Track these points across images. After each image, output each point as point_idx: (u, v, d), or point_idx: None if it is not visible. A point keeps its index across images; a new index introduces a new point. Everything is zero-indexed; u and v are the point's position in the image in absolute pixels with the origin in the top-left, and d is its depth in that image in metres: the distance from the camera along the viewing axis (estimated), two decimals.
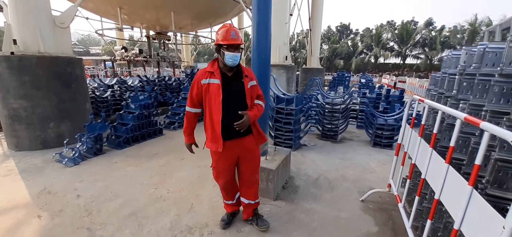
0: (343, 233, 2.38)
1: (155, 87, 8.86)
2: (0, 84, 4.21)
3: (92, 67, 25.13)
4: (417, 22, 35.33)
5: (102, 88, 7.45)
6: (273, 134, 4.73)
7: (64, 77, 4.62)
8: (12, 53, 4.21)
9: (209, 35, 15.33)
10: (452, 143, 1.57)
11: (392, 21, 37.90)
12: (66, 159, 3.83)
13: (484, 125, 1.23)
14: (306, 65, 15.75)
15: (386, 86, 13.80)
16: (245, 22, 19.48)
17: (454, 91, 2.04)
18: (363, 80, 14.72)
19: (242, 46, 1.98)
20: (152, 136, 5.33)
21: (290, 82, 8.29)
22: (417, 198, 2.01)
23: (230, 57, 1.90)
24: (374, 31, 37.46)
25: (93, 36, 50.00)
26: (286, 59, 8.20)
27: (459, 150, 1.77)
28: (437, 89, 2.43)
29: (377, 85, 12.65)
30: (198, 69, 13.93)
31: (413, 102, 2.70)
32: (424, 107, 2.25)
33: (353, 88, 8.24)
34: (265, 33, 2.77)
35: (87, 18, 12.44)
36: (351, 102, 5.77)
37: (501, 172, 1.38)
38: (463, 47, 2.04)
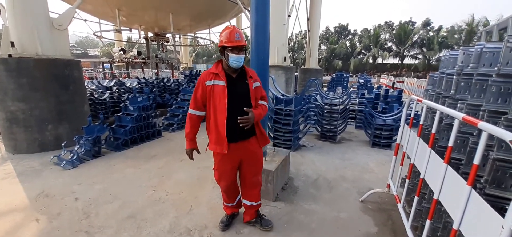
0: (342, 234, 2.38)
1: (154, 89, 8.84)
2: None
3: (90, 69, 25.06)
4: (415, 22, 35.58)
5: (100, 90, 7.42)
6: (272, 135, 4.73)
7: (62, 79, 4.60)
8: (9, 55, 4.19)
9: (207, 36, 15.33)
10: (450, 143, 1.57)
11: (390, 21, 38.09)
12: (64, 162, 3.81)
13: (482, 124, 1.24)
14: (304, 66, 15.80)
15: (384, 86, 13.85)
16: (244, 23, 19.49)
17: (452, 91, 2.05)
18: (361, 81, 14.78)
19: (246, 47, 1.97)
20: (151, 138, 5.32)
21: (288, 83, 8.29)
22: (416, 198, 2.01)
23: (234, 59, 1.90)
24: (372, 31, 37.59)
25: (91, 38, 49.98)
26: (285, 60, 8.21)
27: (457, 149, 1.78)
28: (435, 89, 2.44)
29: (375, 86, 12.69)
30: (197, 71, 13.94)
31: (411, 102, 2.70)
32: (422, 108, 2.26)
33: (351, 89, 8.26)
34: (263, 34, 2.77)
35: (85, 20, 12.42)
36: (349, 103, 5.78)
37: (499, 171, 1.39)
38: (461, 48, 2.05)
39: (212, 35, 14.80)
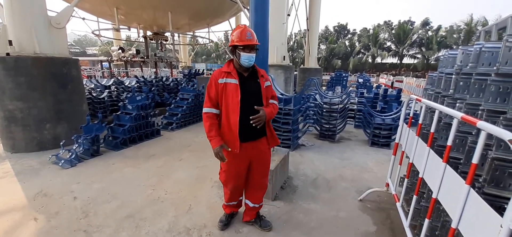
0: (341, 233, 2.38)
1: (153, 88, 8.82)
2: None
3: (89, 68, 24.99)
4: (414, 22, 35.66)
5: (99, 89, 7.40)
6: None
7: (60, 78, 4.58)
8: (7, 54, 4.16)
9: (206, 35, 15.30)
10: (449, 142, 1.57)
11: (389, 21, 38.13)
12: (62, 161, 3.79)
13: (480, 124, 1.24)
14: (304, 65, 15.79)
15: (383, 86, 13.87)
16: (243, 22, 19.46)
17: (451, 90, 2.05)
18: (360, 80, 14.80)
19: (257, 47, 1.97)
20: (150, 137, 5.31)
21: (288, 82, 8.29)
22: (415, 197, 2.02)
23: (246, 58, 1.89)
24: (371, 31, 37.65)
25: (90, 37, 49.76)
26: (284, 59, 8.20)
27: (456, 149, 1.78)
28: (434, 88, 2.44)
29: (374, 85, 12.72)
30: (196, 70, 13.90)
31: (410, 101, 2.71)
32: (421, 107, 2.26)
33: (350, 88, 8.26)
34: (262, 33, 2.77)
35: (83, 19, 12.38)
36: (349, 102, 5.79)
37: (498, 170, 1.39)
38: (460, 47, 2.05)
39: (211, 34, 14.77)
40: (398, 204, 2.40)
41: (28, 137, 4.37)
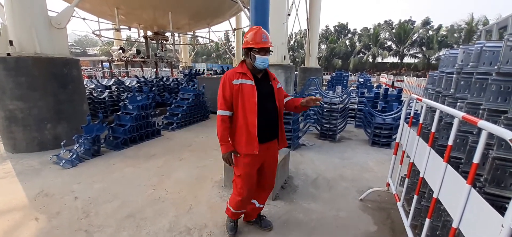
0: (342, 233, 2.38)
1: (153, 88, 8.83)
2: None
3: (90, 68, 25.01)
4: (415, 21, 35.61)
5: (99, 89, 7.41)
6: None
7: (61, 78, 4.59)
8: (8, 54, 4.17)
9: (207, 35, 15.30)
10: (450, 142, 1.57)
11: (390, 20, 38.12)
12: (63, 161, 3.80)
13: (481, 123, 1.24)
14: (304, 65, 15.79)
15: (384, 85, 13.85)
16: (243, 22, 19.46)
17: (451, 90, 2.05)
18: (361, 80, 14.78)
19: (272, 49, 1.96)
20: (150, 137, 5.31)
21: (288, 82, 8.28)
22: (415, 196, 2.01)
23: (261, 61, 1.88)
24: (372, 30, 37.61)
25: (90, 37, 49.79)
26: (284, 59, 8.19)
27: (457, 148, 1.78)
28: (434, 88, 2.44)
29: (375, 85, 12.70)
30: (196, 70, 13.89)
31: (411, 101, 2.70)
32: (422, 107, 2.25)
33: (351, 88, 8.26)
34: None
35: (84, 19, 12.39)
36: (349, 102, 5.78)
37: (499, 170, 1.39)
38: (460, 46, 2.04)
39: (211, 34, 14.79)
40: (399, 204, 2.40)
41: (29, 137, 4.38)
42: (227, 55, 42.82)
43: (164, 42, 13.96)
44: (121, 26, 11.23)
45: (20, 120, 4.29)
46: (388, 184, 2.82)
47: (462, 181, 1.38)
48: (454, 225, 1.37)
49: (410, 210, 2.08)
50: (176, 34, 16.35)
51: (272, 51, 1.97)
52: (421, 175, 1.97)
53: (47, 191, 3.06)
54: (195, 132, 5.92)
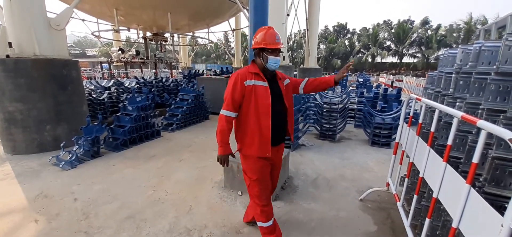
0: (342, 233, 2.38)
1: (153, 89, 8.82)
2: None
3: (89, 69, 24.92)
4: (414, 21, 35.71)
5: (99, 90, 7.40)
6: None
7: (60, 79, 4.58)
8: (7, 56, 4.17)
9: (206, 36, 15.30)
10: (449, 141, 1.57)
11: (389, 20, 38.18)
12: (63, 162, 3.79)
13: (481, 123, 1.24)
14: (303, 65, 15.80)
15: (383, 85, 13.87)
16: (242, 22, 19.48)
17: (450, 90, 2.05)
18: (360, 80, 14.81)
19: (283, 50, 1.95)
20: (150, 138, 5.31)
21: None
22: (415, 196, 2.02)
23: (273, 62, 1.83)
24: (371, 30, 37.66)
25: (90, 38, 49.76)
26: (284, 59, 8.21)
27: (456, 148, 1.78)
28: (434, 88, 2.44)
29: (374, 85, 12.71)
30: (196, 70, 13.87)
31: (410, 101, 2.71)
32: (421, 106, 2.26)
33: (350, 88, 8.26)
34: None
35: (83, 20, 12.38)
36: (349, 102, 5.79)
37: (498, 170, 1.39)
38: (459, 46, 2.05)
39: (210, 35, 14.79)
40: (399, 204, 2.40)
41: (28, 139, 4.37)
42: (227, 56, 42.82)
43: (164, 43, 13.94)
44: (120, 27, 11.22)
45: (20, 121, 4.29)
46: (388, 184, 2.83)
47: (462, 180, 1.38)
48: (454, 225, 1.37)
49: (410, 210, 2.08)
50: (176, 35, 16.35)
51: (282, 52, 1.95)
52: (420, 175, 1.97)
53: (46, 192, 3.06)
54: (194, 133, 5.92)
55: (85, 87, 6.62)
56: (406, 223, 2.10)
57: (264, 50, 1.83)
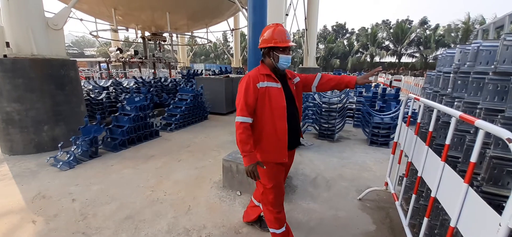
0: (341, 232, 2.38)
1: (151, 89, 8.79)
2: None
3: (87, 69, 24.86)
4: (412, 21, 35.84)
5: (97, 91, 7.37)
6: None
7: (58, 79, 4.56)
8: (5, 56, 4.15)
9: (205, 35, 15.27)
10: (447, 141, 1.57)
11: (387, 20, 38.31)
12: (61, 163, 3.78)
13: (479, 122, 1.24)
14: (302, 65, 15.81)
15: (382, 85, 13.89)
16: (241, 22, 19.47)
17: (449, 89, 2.05)
18: None
19: (293, 48, 1.85)
20: (149, 138, 5.29)
21: None
22: (413, 196, 2.02)
23: (285, 60, 1.74)
24: (369, 30, 37.74)
25: (88, 38, 49.55)
26: None
27: (454, 147, 1.78)
28: (432, 87, 2.45)
29: (373, 84, 12.73)
30: (194, 70, 13.85)
31: (408, 100, 2.71)
32: (419, 106, 2.26)
33: None
34: (261, 33, 2.76)
35: (81, 20, 12.34)
36: (347, 102, 5.80)
37: (496, 169, 1.39)
38: (458, 46, 2.05)
39: (209, 34, 14.79)
40: (397, 203, 2.40)
41: (26, 139, 4.35)
42: (225, 56, 42.78)
43: (162, 42, 13.92)
44: (119, 27, 11.18)
45: (17, 121, 4.26)
46: (387, 183, 2.83)
47: (460, 180, 1.38)
48: (452, 224, 1.38)
49: (408, 209, 2.08)
50: (174, 35, 16.31)
51: (292, 50, 1.90)
52: (419, 174, 1.98)
53: (44, 193, 3.04)
54: (193, 133, 5.91)
55: (83, 87, 6.59)
56: (405, 222, 2.11)
57: (274, 49, 1.74)
